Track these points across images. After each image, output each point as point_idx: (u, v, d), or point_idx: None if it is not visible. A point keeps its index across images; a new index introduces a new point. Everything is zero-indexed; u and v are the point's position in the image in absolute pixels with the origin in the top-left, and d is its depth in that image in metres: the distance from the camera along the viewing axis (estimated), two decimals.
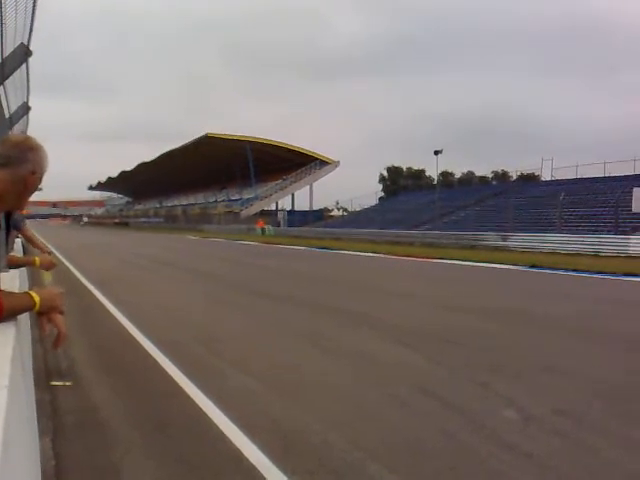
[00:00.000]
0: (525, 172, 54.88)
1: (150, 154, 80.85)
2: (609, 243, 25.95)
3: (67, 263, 19.04)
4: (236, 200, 72.20)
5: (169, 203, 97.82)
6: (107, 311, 9.73)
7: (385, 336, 7.60)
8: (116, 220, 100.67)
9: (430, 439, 3.97)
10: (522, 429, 4.14)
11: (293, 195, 72.60)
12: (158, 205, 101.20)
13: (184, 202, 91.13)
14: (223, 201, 76.56)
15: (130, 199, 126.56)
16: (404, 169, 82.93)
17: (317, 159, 69.92)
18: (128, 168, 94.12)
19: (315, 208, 69.02)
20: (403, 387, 5.20)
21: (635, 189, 26.55)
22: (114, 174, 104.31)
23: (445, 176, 70.11)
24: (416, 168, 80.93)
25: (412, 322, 8.68)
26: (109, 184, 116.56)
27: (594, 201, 33.38)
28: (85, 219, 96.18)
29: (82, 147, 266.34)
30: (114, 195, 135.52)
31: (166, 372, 5.72)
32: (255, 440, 3.90)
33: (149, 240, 42.59)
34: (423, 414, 4.52)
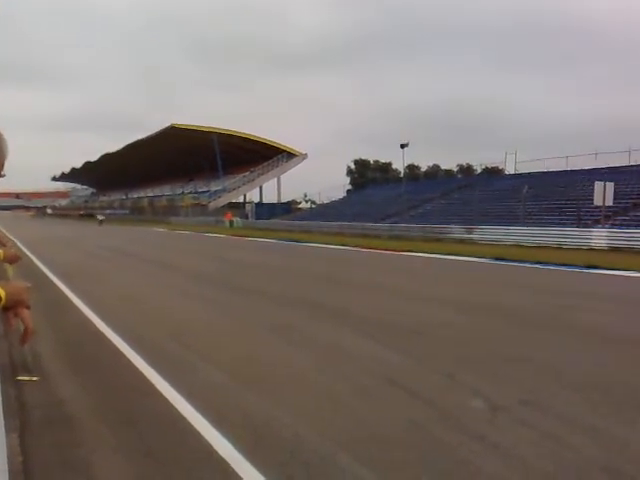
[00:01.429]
0: (489, 166, 55.58)
1: (115, 145, 79.63)
2: (572, 236, 26.48)
3: (31, 256, 18.66)
4: (203, 192, 71.63)
5: (135, 195, 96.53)
6: (73, 305, 9.59)
7: (355, 328, 7.64)
8: (81, 212, 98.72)
9: (400, 430, 4.02)
10: (489, 419, 4.21)
11: (261, 187, 72.36)
12: (124, 197, 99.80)
13: (150, 194, 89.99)
14: (190, 193, 75.85)
15: (95, 190, 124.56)
16: (371, 162, 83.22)
17: (285, 151, 69.78)
18: (92, 159, 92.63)
19: (283, 201, 68.92)
20: (372, 379, 5.26)
21: (596, 183, 27.02)
22: (78, 165, 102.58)
23: (411, 169, 70.56)
24: (383, 161, 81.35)
25: (381, 314, 8.75)
26: (73, 175, 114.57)
27: (557, 194, 33.96)
28: (47, 211, 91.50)
29: (45, 138, 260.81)
30: (78, 186, 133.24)
31: (135, 366, 5.67)
32: (226, 434, 3.90)
33: (115, 232, 42.00)
34: (392, 405, 4.57)
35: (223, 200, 67.53)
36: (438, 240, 30.63)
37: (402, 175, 54.33)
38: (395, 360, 6.00)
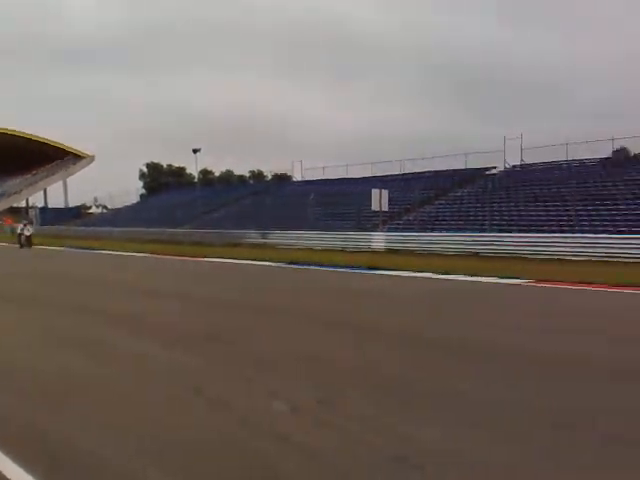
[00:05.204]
0: (279, 172, 57.81)
1: None
2: (355, 239, 28.68)
3: None
4: None
5: None
6: None
7: (155, 338, 7.56)
8: None
9: (207, 438, 4.06)
10: (291, 420, 4.40)
11: (46, 191, 67.45)
12: None
13: None
14: None
15: None
16: (164, 166, 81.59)
17: (70, 153, 65.77)
18: None
19: (71, 205, 64.87)
20: (176, 388, 5.26)
21: (373, 190, 28.98)
22: None
23: (205, 174, 70.66)
24: (177, 165, 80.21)
25: (182, 322, 8.78)
26: None
27: (340, 200, 36.14)
28: None
29: None
30: None
31: None
32: (17, 459, 3.67)
33: None
34: (197, 414, 4.61)
35: (3, 205, 61.74)
36: (236, 245, 31.25)
37: (196, 180, 54.23)
38: (198, 367, 6.05)
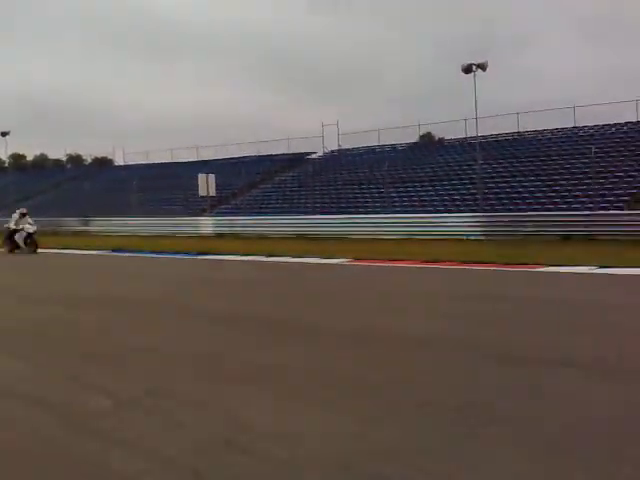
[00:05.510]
0: (99, 156, 55.40)
1: None
2: (183, 225, 28.65)
3: None
4: None
5: None
6: None
7: None
8: None
9: (23, 442, 3.84)
10: (114, 415, 4.24)
11: None
12: None
13: None
14: None
15: None
16: None
17: None
18: None
19: None
20: None
21: (200, 175, 29.24)
22: None
23: (16, 159, 65.42)
24: None
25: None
26: None
27: (167, 185, 35.75)
28: None
29: None
30: None
31: None
32: None
33: None
34: (11, 419, 4.31)
35: None
36: (55, 234, 29.73)
37: (7, 165, 50.24)
38: (13, 366, 5.73)
